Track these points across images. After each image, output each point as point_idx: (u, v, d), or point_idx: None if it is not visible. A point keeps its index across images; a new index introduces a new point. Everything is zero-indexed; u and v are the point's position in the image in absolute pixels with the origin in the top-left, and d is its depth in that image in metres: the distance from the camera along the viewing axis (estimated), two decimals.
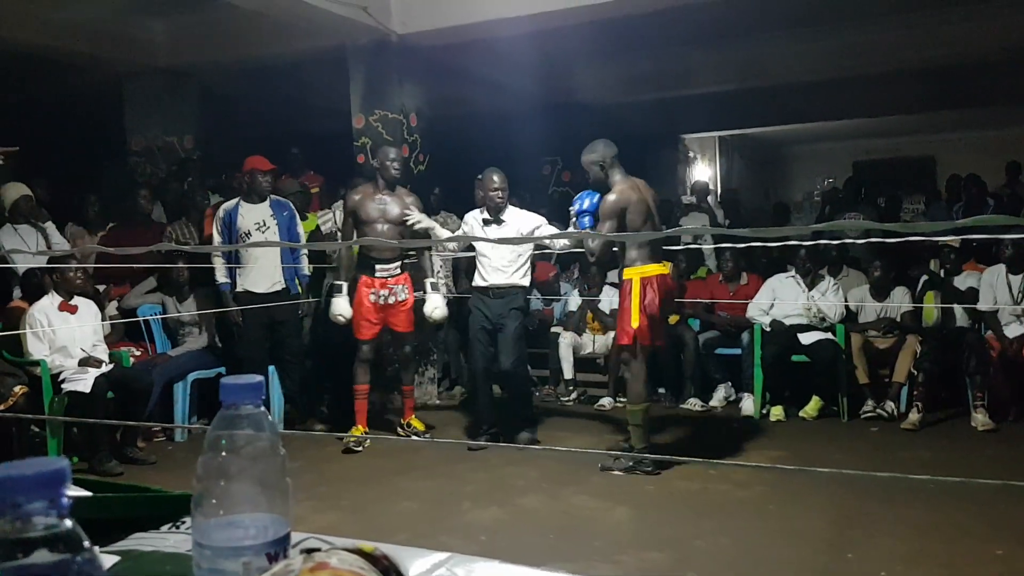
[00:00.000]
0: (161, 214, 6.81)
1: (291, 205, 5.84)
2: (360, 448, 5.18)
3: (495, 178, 5.16)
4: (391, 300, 5.23)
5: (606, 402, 6.45)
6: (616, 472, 4.59)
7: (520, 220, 5.24)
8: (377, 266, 5.20)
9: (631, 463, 4.58)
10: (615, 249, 4.84)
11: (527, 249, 5.19)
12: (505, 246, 5.04)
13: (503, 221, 5.19)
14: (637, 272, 4.47)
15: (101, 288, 5.70)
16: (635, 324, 4.45)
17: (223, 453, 0.72)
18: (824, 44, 8.33)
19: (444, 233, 5.46)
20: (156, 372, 5.39)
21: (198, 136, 7.84)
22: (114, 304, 5.90)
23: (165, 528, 0.96)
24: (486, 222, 5.22)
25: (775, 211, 9.54)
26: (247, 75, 8.21)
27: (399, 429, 5.48)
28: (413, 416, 5.49)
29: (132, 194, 6.47)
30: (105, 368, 5.02)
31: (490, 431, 5.24)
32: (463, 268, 6.74)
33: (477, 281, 5.23)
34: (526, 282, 5.27)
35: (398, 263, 5.27)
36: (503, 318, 5.13)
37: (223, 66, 7.61)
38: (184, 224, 6.38)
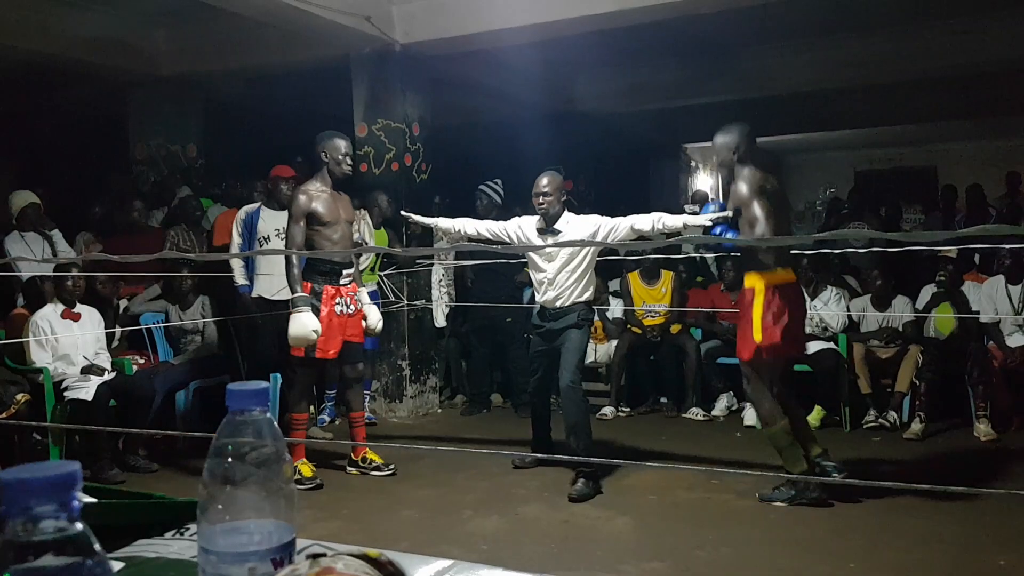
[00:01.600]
0: (162, 221, 6.84)
1: None
2: (317, 485, 4.57)
3: (542, 180, 4.50)
4: (350, 310, 4.70)
5: (608, 411, 6.45)
6: (777, 504, 4.14)
7: (577, 228, 4.52)
8: (344, 271, 4.63)
9: (793, 492, 4.13)
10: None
11: (590, 260, 4.55)
12: (565, 261, 4.47)
13: (558, 231, 4.51)
14: (762, 278, 4.00)
15: (107, 288, 5.71)
16: (758, 338, 3.99)
17: (229, 459, 0.73)
18: (826, 55, 8.36)
19: (459, 225, 4.75)
20: (158, 380, 5.40)
21: (202, 145, 7.87)
22: (123, 304, 5.92)
23: (169, 535, 0.96)
24: (540, 231, 4.56)
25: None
26: (251, 84, 8.24)
27: (350, 468, 4.84)
28: (368, 450, 4.84)
29: (135, 202, 6.49)
30: (107, 376, 5.03)
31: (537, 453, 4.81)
32: (467, 277, 6.75)
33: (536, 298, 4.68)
34: (589, 296, 4.62)
35: (353, 269, 4.74)
36: (563, 335, 4.56)
37: (227, 75, 7.65)
38: (184, 231, 6.40)
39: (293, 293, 4.43)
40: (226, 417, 0.75)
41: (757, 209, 3.97)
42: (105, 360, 5.17)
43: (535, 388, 4.88)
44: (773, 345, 3.99)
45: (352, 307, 4.70)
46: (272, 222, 5.63)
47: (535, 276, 4.64)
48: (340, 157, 4.58)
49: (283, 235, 5.55)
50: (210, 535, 0.73)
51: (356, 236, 6.08)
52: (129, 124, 7.90)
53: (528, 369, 4.94)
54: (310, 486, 4.53)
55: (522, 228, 4.65)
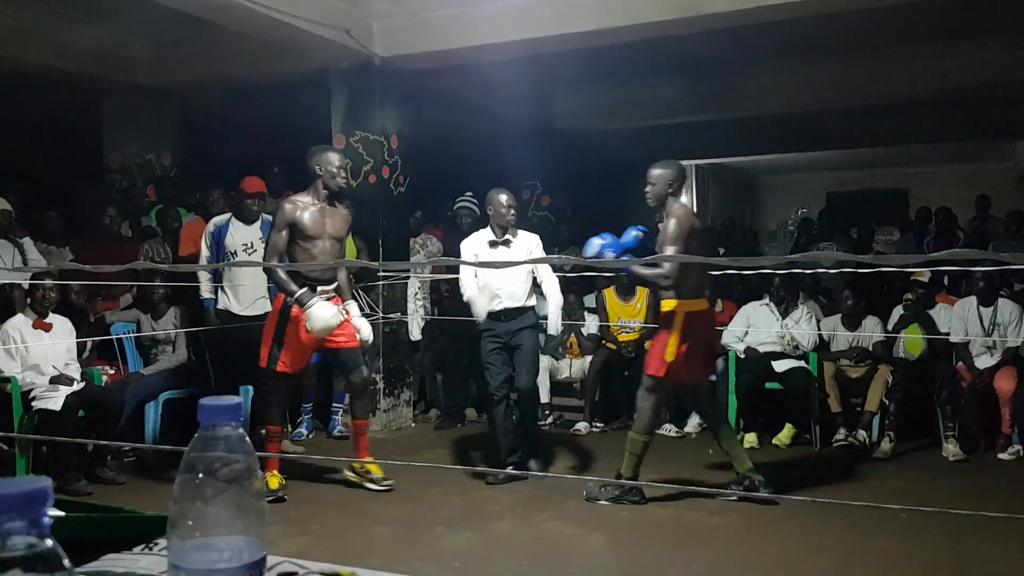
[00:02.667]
0: (135, 231, 6.77)
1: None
2: (285, 498, 4.53)
3: (504, 198, 4.97)
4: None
5: (582, 427, 6.46)
6: (602, 501, 4.52)
7: (527, 240, 5.06)
8: (318, 287, 4.55)
9: (617, 492, 4.52)
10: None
11: (531, 269, 4.95)
12: (513, 269, 4.84)
13: (511, 242, 4.99)
14: (682, 306, 4.31)
15: (79, 298, 5.64)
16: (670, 358, 4.31)
17: (200, 474, 0.73)
18: (800, 77, 8.47)
19: (472, 288, 4.89)
20: (128, 392, 5.33)
21: (177, 154, 7.81)
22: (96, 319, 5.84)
23: (138, 549, 0.95)
24: (492, 244, 4.99)
25: (747, 239, 9.64)
26: (228, 94, 8.21)
27: (347, 472, 4.85)
28: (369, 456, 4.77)
29: (107, 211, 6.41)
30: (76, 387, 4.96)
31: (512, 459, 4.97)
32: (443, 291, 6.74)
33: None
34: (533, 302, 5.04)
35: (335, 284, 4.67)
36: (517, 336, 4.95)
37: (204, 85, 7.61)
38: (159, 242, 6.35)
39: (292, 295, 4.40)
40: (198, 432, 0.74)
41: (682, 245, 4.27)
42: (75, 370, 5.10)
43: (500, 389, 5.00)
44: (679, 368, 4.35)
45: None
46: (240, 236, 5.55)
47: (486, 281, 4.85)
48: (334, 170, 4.56)
49: (251, 250, 5.50)
50: (180, 551, 0.72)
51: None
52: (104, 132, 7.83)
53: (490, 371, 5.02)
54: (270, 499, 4.40)
55: (475, 245, 5.01)
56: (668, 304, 4.35)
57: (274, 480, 4.52)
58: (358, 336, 4.70)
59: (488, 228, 5.08)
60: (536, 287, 5.02)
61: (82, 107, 7.83)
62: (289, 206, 4.53)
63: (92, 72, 7.16)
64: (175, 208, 6.88)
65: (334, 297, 4.64)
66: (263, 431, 4.70)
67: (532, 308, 5.01)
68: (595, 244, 4.46)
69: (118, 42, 7.12)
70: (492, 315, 4.88)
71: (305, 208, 4.54)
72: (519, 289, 4.93)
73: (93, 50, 6.96)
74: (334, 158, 4.63)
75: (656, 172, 4.52)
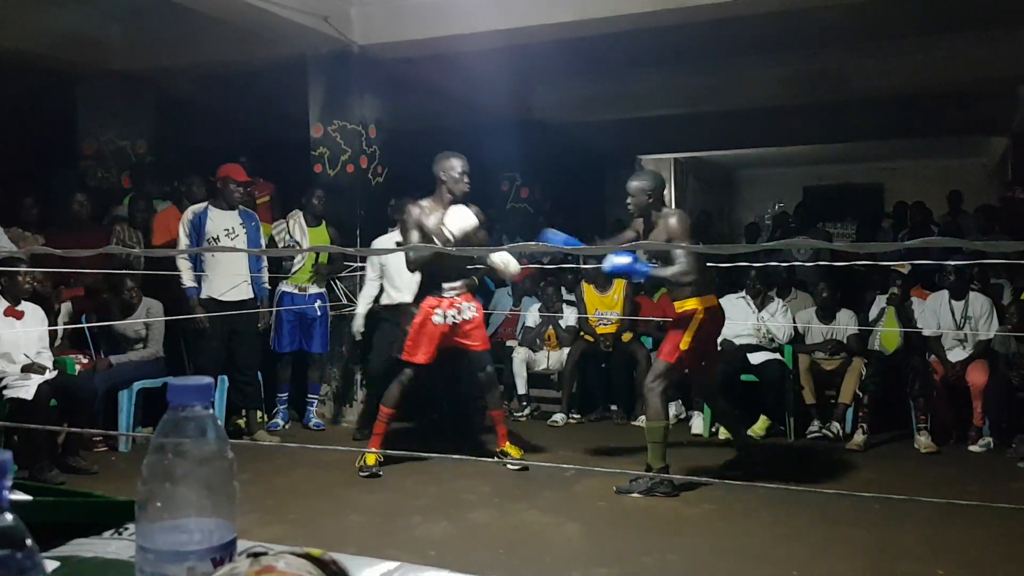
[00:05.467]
0: (107, 219, 6.68)
1: (256, 216, 5.86)
2: (380, 474, 4.86)
3: (458, 163, 4.80)
4: (458, 320, 4.84)
5: (559, 418, 6.47)
6: (635, 495, 4.46)
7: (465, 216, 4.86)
8: (444, 284, 4.81)
9: (650, 483, 4.47)
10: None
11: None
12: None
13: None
14: (701, 302, 4.42)
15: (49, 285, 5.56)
16: (684, 347, 4.42)
17: (169, 455, 0.72)
18: (777, 72, 8.51)
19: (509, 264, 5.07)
20: (98, 379, 5.28)
21: (152, 141, 7.72)
22: (66, 307, 5.76)
23: (108, 534, 0.94)
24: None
25: (727, 233, 9.69)
26: (205, 81, 8.11)
27: (497, 456, 5.04)
28: (508, 443, 5.06)
29: (77, 198, 6.31)
30: (49, 375, 4.90)
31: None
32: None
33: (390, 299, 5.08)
34: None
35: (463, 281, 4.90)
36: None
37: (181, 71, 7.51)
38: (129, 227, 6.26)
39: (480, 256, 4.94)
40: (167, 413, 0.73)
41: (689, 240, 4.53)
42: (47, 359, 5.04)
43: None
44: (695, 357, 4.52)
45: (460, 316, 4.83)
46: (221, 222, 5.55)
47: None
48: (456, 175, 4.76)
49: (233, 235, 5.48)
50: (148, 533, 0.71)
51: (288, 239, 6.03)
52: (78, 118, 7.72)
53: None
54: (365, 474, 4.81)
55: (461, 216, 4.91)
56: (689, 303, 4.42)
57: (371, 457, 4.81)
58: (508, 266, 4.98)
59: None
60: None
61: (56, 92, 7.71)
62: (416, 210, 4.77)
63: (66, 57, 7.05)
64: (147, 198, 6.79)
65: (464, 294, 4.88)
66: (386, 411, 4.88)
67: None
68: (547, 236, 4.59)
69: (93, 27, 7.01)
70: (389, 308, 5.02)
71: (431, 211, 4.75)
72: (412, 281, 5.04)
73: (68, 34, 6.85)
74: (457, 164, 4.78)
75: (634, 185, 4.59)
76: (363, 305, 5.93)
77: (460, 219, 4.72)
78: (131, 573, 0.73)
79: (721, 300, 6.24)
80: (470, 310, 4.88)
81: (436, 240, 4.64)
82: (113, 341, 5.71)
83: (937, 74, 8.02)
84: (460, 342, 4.90)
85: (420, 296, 4.89)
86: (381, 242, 6.01)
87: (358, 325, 5.95)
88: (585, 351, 6.56)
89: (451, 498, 4.47)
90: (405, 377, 4.87)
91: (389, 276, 5.77)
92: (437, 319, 4.78)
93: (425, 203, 4.80)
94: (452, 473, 4.88)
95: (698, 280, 4.42)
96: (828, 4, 6.02)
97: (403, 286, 5.51)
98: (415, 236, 4.69)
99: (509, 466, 4.95)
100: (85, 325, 5.69)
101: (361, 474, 4.83)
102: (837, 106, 9.55)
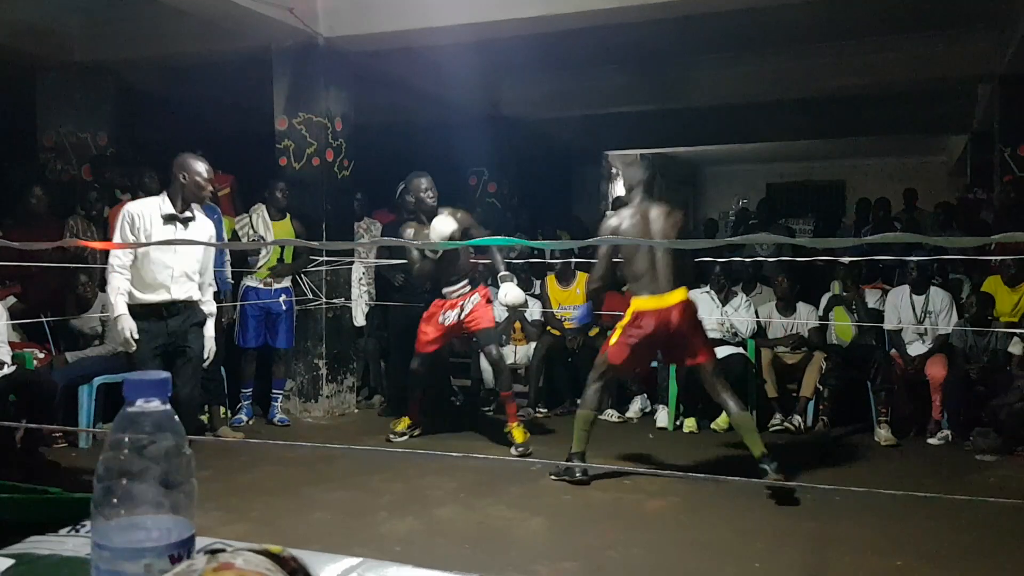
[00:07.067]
0: (65, 212, 6.56)
1: (219, 210, 5.76)
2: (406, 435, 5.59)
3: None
4: (463, 316, 5.35)
5: (526, 412, 6.47)
6: (551, 477, 4.67)
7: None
8: (445, 289, 5.37)
9: (562, 469, 4.64)
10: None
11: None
12: (188, 253, 4.23)
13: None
14: (635, 303, 4.51)
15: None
16: (611, 343, 4.60)
17: (125, 451, 0.71)
18: (741, 69, 8.59)
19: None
20: (57, 374, 5.19)
21: (113, 133, 7.60)
22: (8, 302, 5.63)
23: (64, 531, 0.93)
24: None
25: (696, 227, 9.76)
26: (167, 72, 8.00)
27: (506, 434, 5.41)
28: (515, 424, 5.35)
29: (34, 191, 6.17)
30: (7, 370, 4.81)
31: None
32: (395, 278, 6.68)
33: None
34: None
35: (465, 281, 5.38)
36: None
37: (142, 63, 7.41)
38: (83, 219, 6.13)
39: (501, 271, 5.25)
40: (123, 408, 0.72)
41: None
42: (5, 353, 4.94)
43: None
44: (620, 355, 4.59)
45: (462, 312, 5.35)
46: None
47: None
48: (422, 194, 5.28)
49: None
50: (105, 531, 0.70)
51: (251, 233, 5.96)
52: (37, 110, 7.58)
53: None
54: (519, 452, 5.22)
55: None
56: (632, 302, 4.56)
57: (403, 423, 5.67)
58: (504, 299, 5.22)
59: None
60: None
61: (15, 84, 7.56)
62: (409, 230, 5.34)
63: (26, 48, 6.91)
64: (107, 189, 6.67)
65: (466, 292, 5.36)
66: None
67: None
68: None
69: (53, 16, 6.88)
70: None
71: (416, 229, 5.27)
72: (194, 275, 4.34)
73: (27, 24, 6.72)
74: (423, 182, 5.33)
75: (624, 172, 4.75)
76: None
77: (439, 229, 5.08)
78: (87, 570, 0.72)
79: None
80: (471, 303, 5.35)
81: (417, 252, 5.24)
82: (70, 337, 5.61)
83: (898, 73, 8.15)
84: (467, 327, 5.42)
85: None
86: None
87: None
88: (551, 346, 6.57)
89: (416, 494, 4.46)
90: (417, 363, 5.55)
91: None
92: (441, 319, 5.38)
93: (411, 226, 5.35)
94: (418, 469, 4.87)
95: (643, 281, 4.47)
96: (792, 3, 6.09)
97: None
98: (415, 254, 5.26)
99: (513, 452, 5.23)
100: (45, 320, 5.58)
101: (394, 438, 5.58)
102: (800, 104, 9.67)
